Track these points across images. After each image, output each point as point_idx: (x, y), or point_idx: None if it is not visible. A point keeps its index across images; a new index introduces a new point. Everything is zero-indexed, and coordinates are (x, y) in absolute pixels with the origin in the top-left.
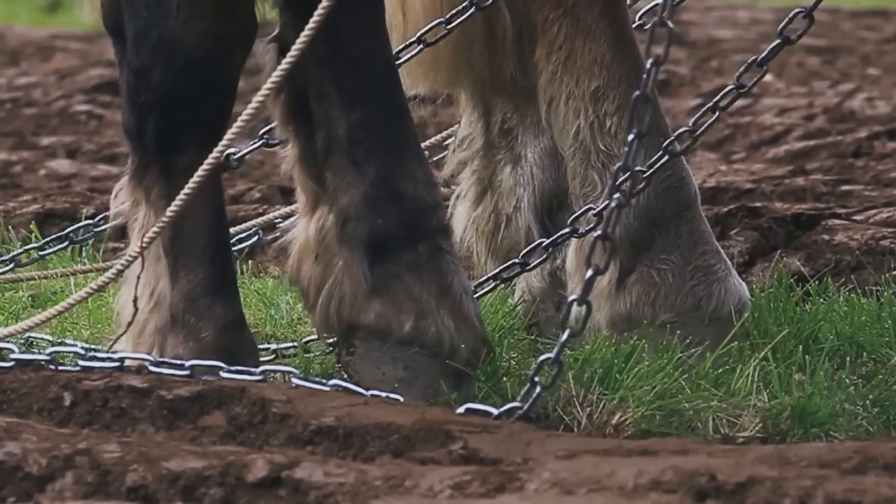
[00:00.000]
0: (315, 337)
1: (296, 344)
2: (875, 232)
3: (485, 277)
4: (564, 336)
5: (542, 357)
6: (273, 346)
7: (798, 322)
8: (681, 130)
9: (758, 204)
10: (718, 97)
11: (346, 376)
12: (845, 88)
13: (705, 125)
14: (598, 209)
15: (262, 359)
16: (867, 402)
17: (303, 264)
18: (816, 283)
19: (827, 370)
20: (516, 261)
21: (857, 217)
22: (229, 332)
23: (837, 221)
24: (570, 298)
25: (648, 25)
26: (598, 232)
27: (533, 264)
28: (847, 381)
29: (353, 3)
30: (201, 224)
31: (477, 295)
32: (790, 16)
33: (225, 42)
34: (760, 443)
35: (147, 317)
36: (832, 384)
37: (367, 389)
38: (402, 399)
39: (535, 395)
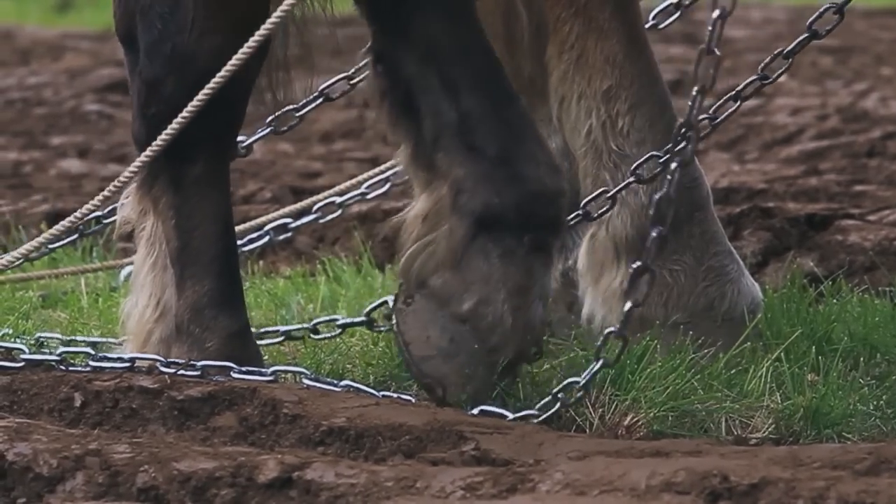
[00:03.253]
0: (325, 319)
1: (306, 326)
2: (889, 232)
3: None
4: (598, 365)
5: (570, 380)
6: (283, 329)
7: (811, 323)
8: (701, 118)
9: (771, 204)
10: (741, 86)
11: (392, 323)
12: (859, 88)
13: (726, 113)
14: (612, 192)
15: (271, 341)
16: (881, 402)
17: (412, 226)
18: (829, 283)
19: (840, 371)
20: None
21: (871, 217)
22: (234, 342)
23: (851, 222)
24: (608, 330)
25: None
26: (638, 264)
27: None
28: (860, 381)
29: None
30: (209, 235)
31: None
32: (820, 10)
33: None
34: (773, 444)
35: (152, 326)
36: (845, 385)
37: (406, 345)
38: (412, 399)
39: (553, 408)
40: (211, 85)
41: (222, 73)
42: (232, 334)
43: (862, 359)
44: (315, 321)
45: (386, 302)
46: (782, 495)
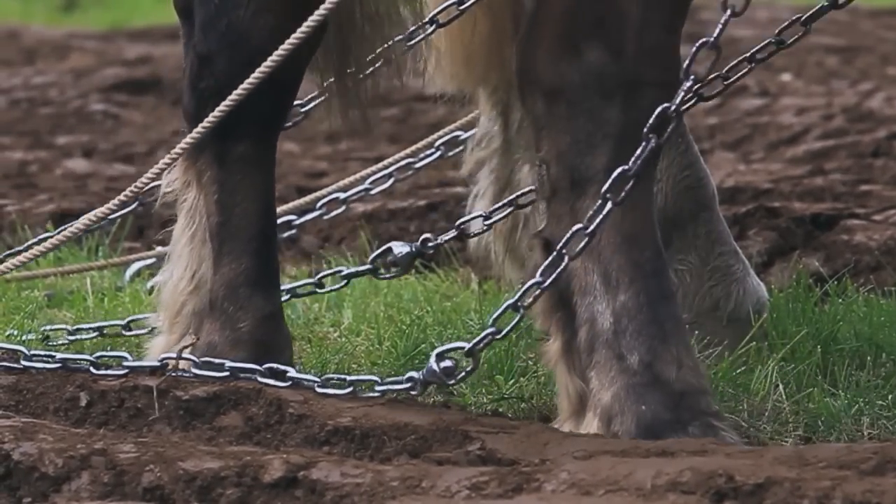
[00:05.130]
0: (329, 272)
1: (311, 281)
2: (894, 232)
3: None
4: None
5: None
6: (287, 286)
7: (816, 322)
8: (713, 76)
9: (776, 204)
10: (756, 49)
11: None
12: (864, 88)
13: (739, 75)
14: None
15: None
16: (886, 402)
17: None
18: (835, 283)
19: (845, 371)
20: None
21: (876, 217)
22: (266, 324)
23: (856, 221)
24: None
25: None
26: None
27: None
28: (866, 381)
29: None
30: (250, 214)
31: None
32: None
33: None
34: (779, 444)
35: (186, 298)
36: (851, 385)
37: None
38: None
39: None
40: (266, 64)
41: (278, 52)
42: (265, 316)
43: (868, 358)
44: (319, 275)
45: (390, 248)
46: (788, 495)
